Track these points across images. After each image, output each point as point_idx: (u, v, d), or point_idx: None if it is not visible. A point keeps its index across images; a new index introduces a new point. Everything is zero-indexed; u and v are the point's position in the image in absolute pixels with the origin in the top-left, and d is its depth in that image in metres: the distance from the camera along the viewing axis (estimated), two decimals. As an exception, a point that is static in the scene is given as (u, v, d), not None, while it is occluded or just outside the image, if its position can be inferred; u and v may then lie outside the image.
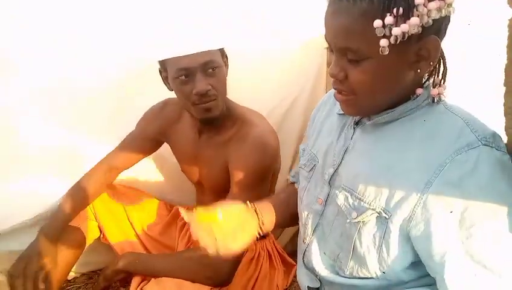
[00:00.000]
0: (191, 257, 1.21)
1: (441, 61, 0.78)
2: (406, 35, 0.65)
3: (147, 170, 1.63)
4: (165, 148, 1.49)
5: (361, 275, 0.82)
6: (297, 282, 1.42)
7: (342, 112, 0.85)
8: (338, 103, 0.83)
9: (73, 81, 1.39)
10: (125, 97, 1.50)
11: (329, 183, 0.88)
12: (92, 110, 1.46)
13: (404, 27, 0.65)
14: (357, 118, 0.85)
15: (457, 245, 0.69)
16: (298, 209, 0.99)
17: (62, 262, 1.31)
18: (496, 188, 0.68)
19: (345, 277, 0.85)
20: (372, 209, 0.76)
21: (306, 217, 0.93)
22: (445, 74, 0.78)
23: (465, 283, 0.69)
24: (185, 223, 1.50)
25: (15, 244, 1.39)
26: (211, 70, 1.20)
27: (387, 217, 0.75)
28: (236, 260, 1.20)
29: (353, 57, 0.71)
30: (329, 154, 0.89)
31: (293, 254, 1.43)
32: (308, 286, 0.98)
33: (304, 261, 0.96)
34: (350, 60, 0.72)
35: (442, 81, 0.77)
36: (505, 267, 0.68)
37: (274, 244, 1.41)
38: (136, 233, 1.50)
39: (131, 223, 1.49)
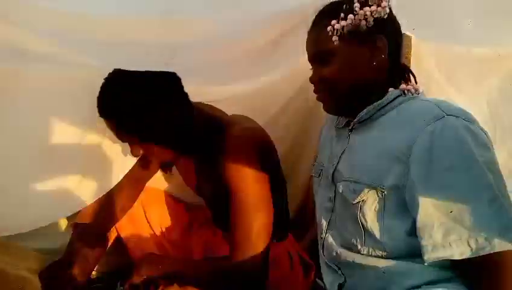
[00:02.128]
0: (223, 267, 1.15)
1: (407, 69, 1.02)
2: (346, 29, 0.92)
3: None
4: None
5: (378, 254, 0.90)
6: (316, 283, 1.42)
7: (340, 126, 1.06)
8: (336, 118, 1.09)
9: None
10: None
11: (333, 181, 1.03)
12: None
13: (342, 22, 0.92)
14: (350, 126, 1.01)
15: (428, 202, 0.82)
16: (316, 212, 1.12)
17: (85, 262, 1.31)
18: (461, 149, 0.81)
19: (363, 255, 0.93)
20: (368, 186, 0.90)
21: (320, 216, 1.07)
22: (408, 74, 1.01)
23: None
24: (199, 224, 1.50)
25: (43, 243, 1.44)
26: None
27: (383, 190, 0.88)
28: (266, 259, 1.15)
29: (322, 56, 0.97)
30: (331, 159, 1.06)
31: (317, 256, 1.44)
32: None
33: (324, 254, 1.05)
34: (321, 62, 0.97)
35: (409, 82, 0.99)
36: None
37: (294, 246, 1.40)
38: (153, 231, 1.50)
39: (147, 220, 1.49)
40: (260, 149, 1.16)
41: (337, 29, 0.92)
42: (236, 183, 1.12)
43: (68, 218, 1.53)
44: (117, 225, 1.44)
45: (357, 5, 0.92)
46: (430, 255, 0.81)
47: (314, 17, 1.01)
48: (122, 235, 1.45)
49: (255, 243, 1.10)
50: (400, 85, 0.98)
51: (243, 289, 1.12)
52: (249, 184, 1.12)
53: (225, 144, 1.14)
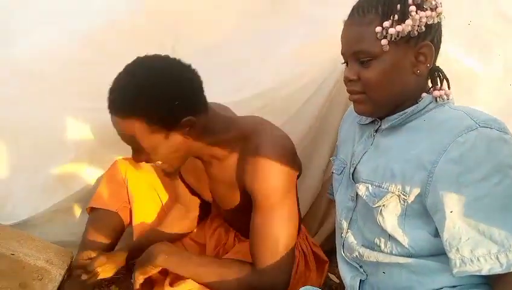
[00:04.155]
0: (238, 278, 1.10)
1: (440, 71, 0.95)
2: (400, 35, 0.85)
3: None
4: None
5: (403, 253, 0.89)
6: (329, 278, 1.42)
7: (363, 122, 1.02)
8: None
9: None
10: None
11: (353, 180, 1.00)
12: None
13: (398, 28, 0.84)
14: (376, 126, 0.98)
15: (456, 214, 0.79)
16: (336, 210, 1.10)
17: (100, 248, 1.34)
18: (493, 161, 0.78)
19: (387, 254, 0.92)
20: (392, 193, 0.88)
21: (341, 214, 1.05)
22: (442, 80, 0.94)
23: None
24: (213, 220, 1.49)
25: (63, 234, 1.48)
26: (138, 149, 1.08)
27: (405, 197, 0.86)
28: (290, 272, 1.12)
29: (364, 57, 0.88)
30: (352, 157, 1.03)
31: (329, 252, 1.44)
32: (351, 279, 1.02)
33: (344, 252, 1.04)
34: (361, 62, 0.89)
35: (441, 87, 0.93)
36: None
37: (307, 240, 1.39)
38: None
39: (163, 207, 1.48)
40: (290, 158, 1.11)
41: (391, 34, 0.85)
42: (268, 195, 1.07)
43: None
44: (132, 215, 1.45)
45: (413, 8, 0.84)
46: (458, 270, 0.79)
47: (355, 6, 0.91)
48: (135, 226, 1.44)
49: (282, 255, 1.07)
50: (431, 88, 0.95)
51: None
52: (282, 196, 1.08)
53: (255, 154, 1.08)
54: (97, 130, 1.46)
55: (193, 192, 1.41)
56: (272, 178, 1.07)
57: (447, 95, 0.92)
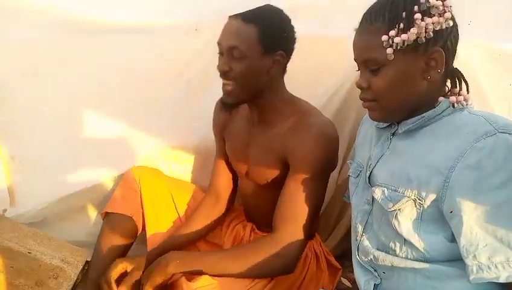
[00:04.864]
0: (257, 249, 1.15)
1: (459, 74, 0.93)
2: (406, 43, 0.84)
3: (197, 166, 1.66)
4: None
5: (418, 257, 0.89)
6: (341, 282, 1.42)
7: (380, 126, 1.02)
8: None
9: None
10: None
11: (369, 183, 1.00)
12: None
13: (403, 36, 0.83)
14: (393, 129, 0.98)
15: (473, 220, 0.78)
16: (351, 213, 1.10)
17: (114, 252, 1.37)
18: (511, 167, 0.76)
19: (402, 258, 0.92)
20: (408, 197, 0.87)
21: (356, 217, 1.05)
22: (460, 84, 0.92)
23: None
24: (232, 220, 1.50)
25: (78, 235, 1.51)
26: (236, 54, 1.17)
27: (421, 202, 0.86)
28: (304, 248, 1.20)
29: (373, 65, 0.89)
30: (369, 161, 1.02)
31: (341, 257, 1.44)
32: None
33: (358, 256, 1.04)
34: (371, 70, 0.89)
35: (460, 91, 0.91)
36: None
37: (321, 245, 1.40)
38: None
39: (178, 215, 1.49)
40: (335, 145, 1.22)
41: (396, 43, 0.84)
42: (306, 165, 1.16)
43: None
44: (147, 220, 1.44)
45: (418, 16, 0.83)
46: (475, 277, 0.78)
47: (364, 14, 0.92)
48: (148, 236, 1.43)
49: (302, 224, 1.15)
50: (449, 90, 0.93)
51: (275, 268, 1.14)
52: (317, 172, 1.17)
53: (309, 127, 1.19)
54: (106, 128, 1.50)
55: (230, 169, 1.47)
56: (317, 151, 1.17)
57: (466, 100, 0.90)
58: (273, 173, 1.27)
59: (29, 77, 1.40)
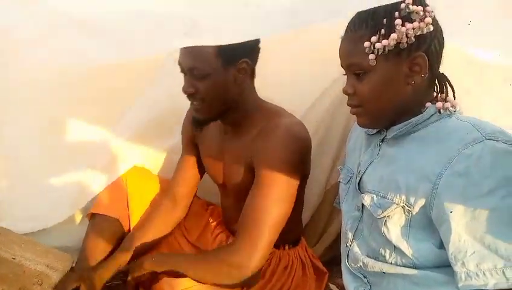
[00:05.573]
0: (215, 255, 1.17)
1: (446, 80, 0.94)
2: (387, 48, 0.85)
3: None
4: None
5: (407, 264, 0.90)
6: (329, 289, 1.42)
7: (370, 133, 1.03)
8: None
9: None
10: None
11: (359, 190, 1.01)
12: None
13: (384, 42, 0.85)
14: (382, 136, 0.98)
15: (461, 227, 0.79)
16: (342, 219, 1.10)
17: (100, 255, 1.36)
18: (500, 174, 0.78)
19: (392, 264, 0.92)
20: (396, 204, 0.88)
21: (346, 224, 1.05)
22: (446, 90, 0.94)
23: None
24: (216, 225, 1.49)
25: (64, 240, 1.47)
26: (198, 74, 1.13)
27: (410, 209, 0.87)
28: (265, 258, 1.14)
29: (357, 70, 0.90)
30: (359, 167, 1.03)
31: (330, 263, 1.43)
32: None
33: (348, 262, 1.04)
34: (356, 75, 0.91)
35: (446, 97, 0.93)
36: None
37: (307, 251, 1.40)
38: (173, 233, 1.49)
39: None
40: (303, 148, 1.18)
41: (377, 49, 0.86)
42: (271, 169, 1.12)
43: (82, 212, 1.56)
44: (134, 223, 1.44)
45: (398, 21, 0.84)
46: (463, 284, 0.79)
47: (349, 23, 0.94)
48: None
49: (263, 233, 1.09)
50: (437, 96, 0.94)
51: (230, 276, 1.11)
52: (282, 175, 1.12)
53: (273, 131, 1.15)
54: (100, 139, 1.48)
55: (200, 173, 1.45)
56: (279, 154, 1.13)
57: (454, 106, 0.91)
58: (247, 182, 1.21)
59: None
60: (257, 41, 1.19)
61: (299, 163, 1.16)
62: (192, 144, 1.43)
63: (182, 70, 1.17)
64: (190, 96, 1.17)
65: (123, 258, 1.31)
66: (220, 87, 1.16)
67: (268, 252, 1.14)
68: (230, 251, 1.12)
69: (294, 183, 1.16)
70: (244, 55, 1.16)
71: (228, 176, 1.32)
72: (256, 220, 1.10)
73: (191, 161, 1.44)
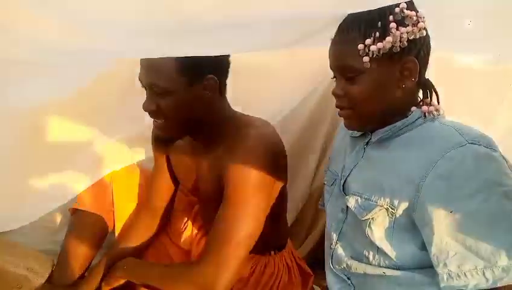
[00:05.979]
0: (182, 273, 1.12)
1: (431, 85, 0.95)
2: (382, 51, 0.85)
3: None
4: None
5: (391, 265, 0.91)
6: (314, 290, 1.42)
7: (355, 135, 1.03)
8: None
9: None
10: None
11: (343, 192, 1.01)
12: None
13: (379, 45, 0.85)
14: (366, 139, 0.99)
15: (443, 229, 0.80)
16: (326, 221, 1.11)
17: (82, 257, 1.33)
18: (481, 178, 0.80)
19: (375, 266, 0.93)
20: (380, 206, 0.89)
21: (331, 226, 1.06)
22: (431, 95, 0.95)
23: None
24: (200, 229, 1.46)
25: (44, 242, 1.44)
26: (158, 91, 1.06)
27: (393, 211, 0.88)
28: (234, 277, 1.07)
29: (349, 73, 0.90)
30: (343, 170, 1.04)
31: (314, 264, 1.44)
32: None
33: (332, 264, 1.05)
34: (347, 77, 0.91)
35: (431, 101, 0.94)
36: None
37: (293, 254, 1.38)
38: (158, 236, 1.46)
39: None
40: (272, 158, 1.11)
41: (372, 51, 0.86)
42: (236, 185, 1.07)
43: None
44: (116, 222, 1.42)
45: (393, 25, 0.85)
46: (445, 284, 0.81)
47: (341, 24, 0.93)
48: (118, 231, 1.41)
49: (231, 252, 1.04)
50: (421, 100, 0.96)
51: None
52: (250, 191, 1.07)
53: (238, 144, 1.09)
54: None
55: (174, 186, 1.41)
56: (245, 170, 1.06)
57: (437, 110, 0.93)
58: (220, 195, 1.13)
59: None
60: (225, 56, 1.12)
61: (270, 174, 1.10)
62: (163, 157, 1.38)
63: (143, 86, 1.10)
64: (152, 113, 1.10)
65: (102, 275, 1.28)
66: (184, 105, 1.09)
67: (238, 271, 1.08)
68: (196, 271, 1.07)
69: (265, 196, 1.10)
70: (210, 70, 1.08)
71: (201, 189, 1.28)
72: (224, 238, 1.05)
73: (165, 174, 1.38)
